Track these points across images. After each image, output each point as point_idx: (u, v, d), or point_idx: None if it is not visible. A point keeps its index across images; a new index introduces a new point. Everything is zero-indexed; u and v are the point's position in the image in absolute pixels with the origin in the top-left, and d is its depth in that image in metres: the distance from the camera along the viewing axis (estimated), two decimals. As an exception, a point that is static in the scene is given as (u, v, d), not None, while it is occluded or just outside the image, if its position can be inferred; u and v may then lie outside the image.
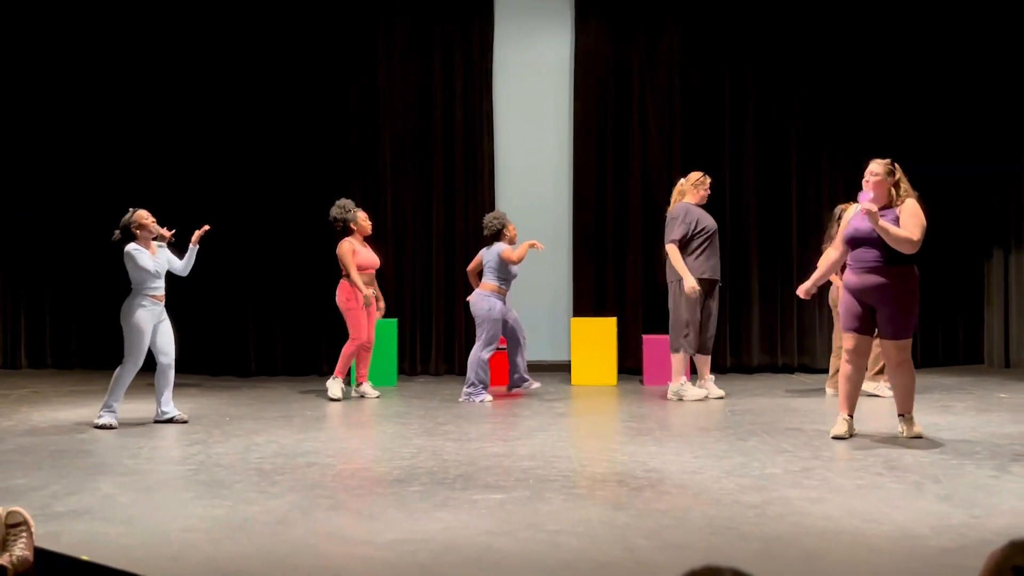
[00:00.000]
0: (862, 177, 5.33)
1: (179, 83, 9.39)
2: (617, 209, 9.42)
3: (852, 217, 5.39)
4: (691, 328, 7.19)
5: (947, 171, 9.30)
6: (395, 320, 8.64)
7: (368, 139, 9.43)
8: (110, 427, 5.95)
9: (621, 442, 5.51)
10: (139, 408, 6.87)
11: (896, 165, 5.34)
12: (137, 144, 9.46)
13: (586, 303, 9.32)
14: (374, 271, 7.57)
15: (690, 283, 7.06)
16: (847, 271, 5.41)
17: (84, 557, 3.08)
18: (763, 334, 9.41)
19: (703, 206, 7.43)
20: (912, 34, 9.36)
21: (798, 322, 9.40)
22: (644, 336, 8.65)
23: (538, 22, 9.73)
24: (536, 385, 7.58)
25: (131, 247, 6.08)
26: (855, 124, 9.33)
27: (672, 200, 7.46)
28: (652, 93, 9.41)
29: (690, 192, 7.40)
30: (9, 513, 2.95)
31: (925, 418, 5.58)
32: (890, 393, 7.06)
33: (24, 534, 2.93)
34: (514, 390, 7.64)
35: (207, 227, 6.44)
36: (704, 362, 7.38)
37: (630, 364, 8.96)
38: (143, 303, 6.03)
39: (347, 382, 7.76)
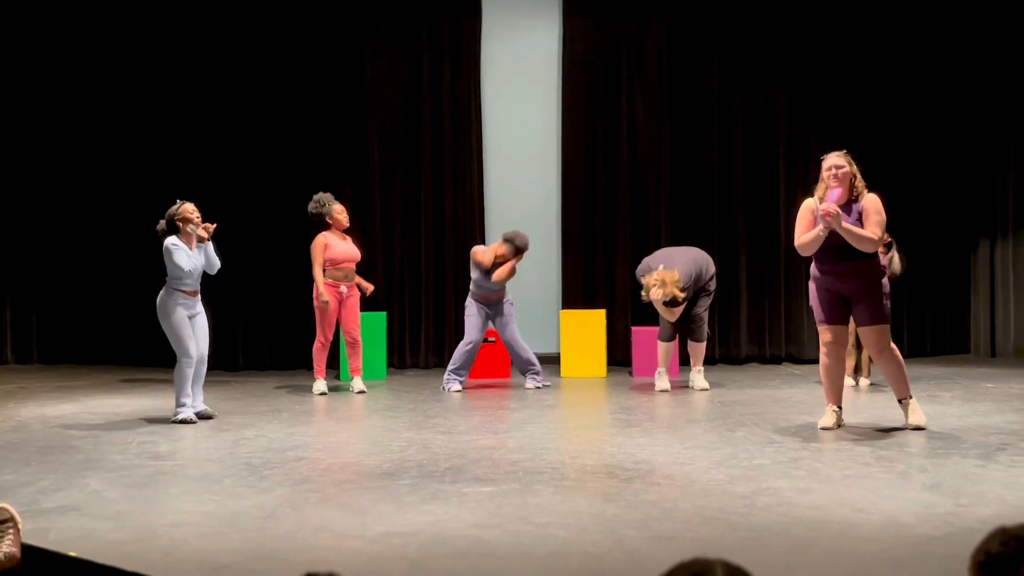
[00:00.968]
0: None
1: (169, 80, 9.33)
2: (606, 201, 9.43)
3: (817, 210, 5.22)
4: (662, 321, 7.33)
5: (933, 162, 9.35)
6: (384, 313, 8.63)
7: (356, 133, 9.40)
8: (190, 421, 5.87)
9: (610, 434, 5.52)
10: (126, 404, 6.84)
11: (851, 156, 5.28)
12: (125, 139, 9.41)
13: (575, 295, 9.33)
14: (353, 264, 7.41)
15: None
16: (815, 264, 5.34)
17: (72, 553, 3.07)
18: (751, 325, 9.45)
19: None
20: (900, 25, 9.40)
21: (785, 313, 9.44)
22: (633, 328, 8.66)
23: (525, 14, 9.71)
24: (532, 385, 7.54)
25: (171, 242, 5.94)
26: (843, 115, 9.36)
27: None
28: (640, 85, 9.41)
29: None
30: None
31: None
32: (852, 382, 7.13)
33: (11, 531, 2.92)
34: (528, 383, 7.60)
35: (215, 225, 6.24)
36: (693, 351, 7.41)
37: (619, 356, 8.98)
38: (175, 299, 5.92)
39: (339, 376, 7.75)
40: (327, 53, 9.37)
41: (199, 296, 6.08)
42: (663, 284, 6.82)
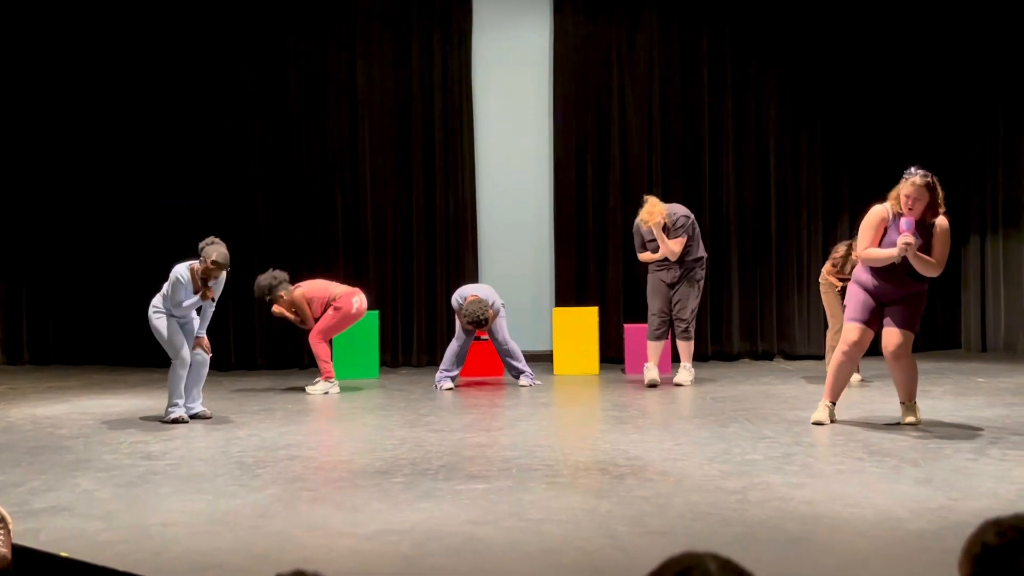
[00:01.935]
0: (897, 184, 5.12)
1: (162, 85, 9.26)
2: (598, 198, 9.43)
3: (889, 227, 5.19)
4: (651, 317, 7.53)
5: (923, 157, 9.35)
6: (376, 312, 8.61)
7: (347, 132, 9.38)
8: (182, 420, 5.85)
9: (603, 430, 5.53)
10: (117, 404, 6.82)
11: (935, 179, 5.18)
12: (116, 137, 9.36)
13: (567, 293, 9.33)
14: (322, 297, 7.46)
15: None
16: (869, 273, 5.28)
17: (63, 554, 3.05)
18: (743, 321, 9.46)
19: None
20: (891, 20, 9.41)
21: (778, 309, 9.45)
22: (625, 325, 8.66)
23: (516, 10, 9.70)
24: (525, 383, 7.54)
25: (180, 274, 5.85)
26: (833, 111, 9.38)
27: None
28: (631, 82, 9.41)
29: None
30: None
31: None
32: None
33: (1, 532, 2.90)
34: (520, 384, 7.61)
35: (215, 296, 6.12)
36: (681, 349, 7.48)
37: (612, 353, 8.97)
38: (163, 310, 5.90)
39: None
40: (316, 53, 9.34)
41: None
42: (656, 210, 7.28)
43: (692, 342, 7.50)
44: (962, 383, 7.15)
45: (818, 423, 5.37)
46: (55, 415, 6.29)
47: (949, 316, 9.79)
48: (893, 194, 5.25)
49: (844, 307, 5.60)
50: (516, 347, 7.63)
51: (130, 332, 8.92)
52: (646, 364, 7.47)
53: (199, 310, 6.08)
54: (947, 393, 6.63)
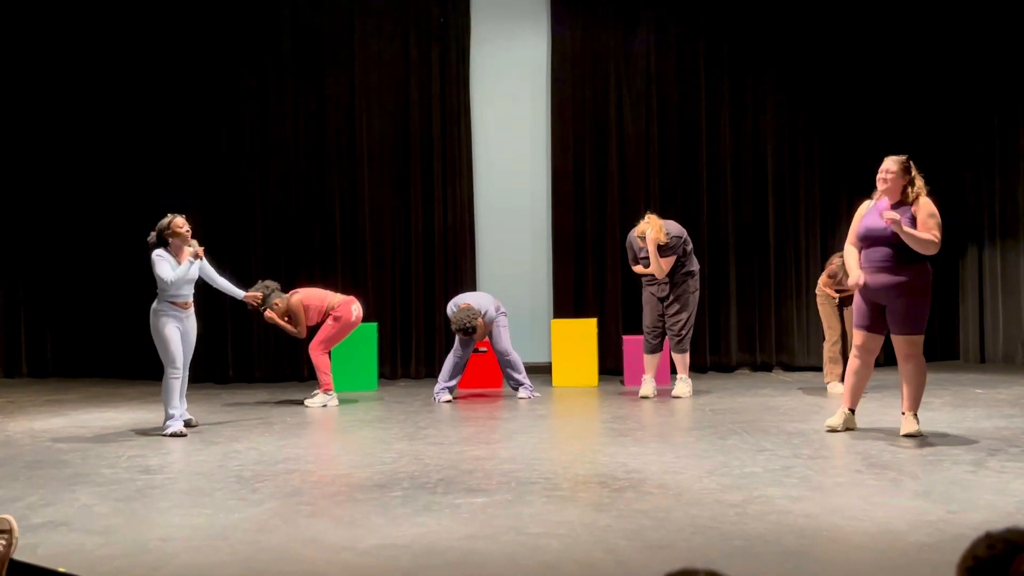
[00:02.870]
0: (875, 174, 5.25)
1: (162, 96, 9.31)
2: (596, 209, 9.45)
3: (865, 215, 5.31)
4: (645, 330, 7.52)
5: (920, 167, 9.36)
6: (375, 324, 8.61)
7: (345, 142, 9.40)
8: (180, 434, 5.86)
9: (602, 443, 5.52)
10: (116, 417, 6.81)
11: (911, 162, 5.27)
12: (116, 150, 9.38)
13: (566, 304, 9.33)
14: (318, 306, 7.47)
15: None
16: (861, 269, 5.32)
17: (61, 569, 3.05)
18: (741, 333, 9.46)
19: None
20: (888, 29, 9.46)
21: (776, 320, 9.46)
22: (624, 337, 8.67)
23: (514, 23, 9.74)
24: (524, 395, 7.55)
25: (156, 253, 5.98)
26: (831, 120, 9.42)
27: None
28: (628, 92, 9.45)
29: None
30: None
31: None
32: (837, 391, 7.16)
33: (2, 541, 2.92)
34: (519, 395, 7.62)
35: (202, 248, 6.22)
36: (677, 360, 7.49)
37: (611, 365, 8.98)
38: (164, 310, 5.95)
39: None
40: (314, 63, 9.37)
41: (191, 308, 6.07)
42: (654, 228, 7.26)
43: (687, 354, 7.50)
44: (961, 394, 7.15)
45: (831, 429, 5.39)
46: (53, 429, 6.28)
47: (947, 327, 9.81)
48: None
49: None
50: (518, 358, 7.61)
51: (129, 345, 8.93)
52: (644, 376, 7.49)
53: (214, 292, 6.17)
54: (946, 404, 6.63)
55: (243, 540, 3.53)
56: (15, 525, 2.95)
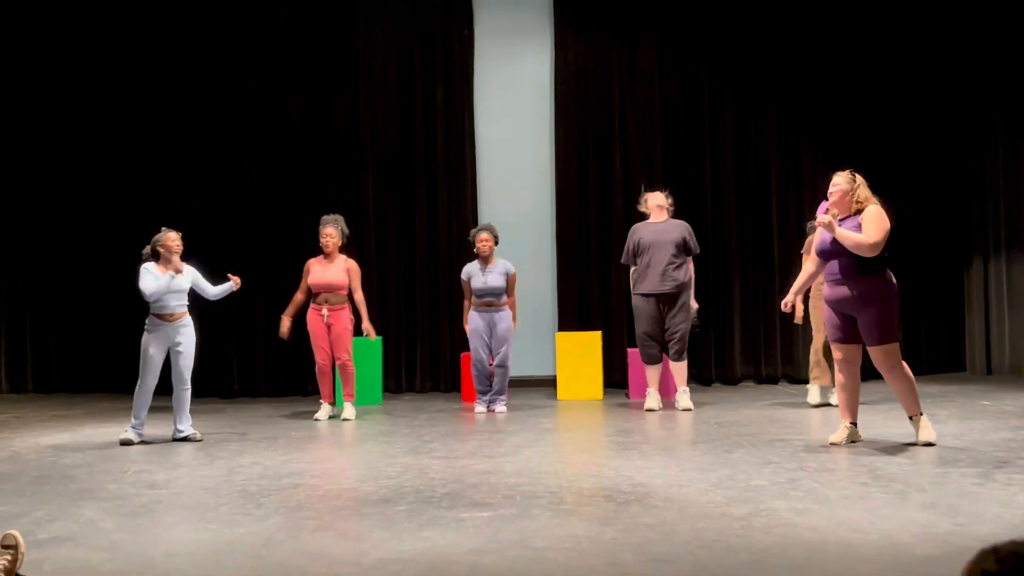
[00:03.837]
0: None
1: (163, 105, 9.37)
2: (600, 223, 9.46)
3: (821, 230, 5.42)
4: (639, 340, 7.53)
5: (926, 180, 9.38)
6: (380, 338, 8.61)
7: (350, 158, 9.44)
8: (129, 443, 6.06)
9: (607, 457, 5.51)
10: (121, 432, 6.81)
11: (856, 175, 5.38)
12: (119, 163, 9.42)
13: (570, 317, 9.33)
14: (332, 290, 7.41)
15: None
16: (824, 284, 5.45)
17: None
18: (746, 346, 9.45)
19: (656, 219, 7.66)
20: (891, 42, 9.47)
21: (781, 333, 9.44)
22: (629, 350, 8.66)
23: (517, 37, 9.79)
24: (500, 408, 7.54)
25: (143, 266, 6.14)
26: (834, 133, 9.42)
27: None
28: (631, 106, 9.48)
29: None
30: (5, 536, 2.98)
31: (908, 427, 5.60)
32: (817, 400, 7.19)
33: (8, 556, 2.94)
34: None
35: (238, 279, 6.52)
36: (675, 371, 7.48)
37: (616, 378, 8.97)
38: (148, 324, 6.13)
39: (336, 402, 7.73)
40: (320, 77, 9.42)
41: (181, 320, 6.13)
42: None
43: (685, 363, 7.50)
44: (967, 406, 7.13)
45: (835, 443, 5.40)
46: (59, 444, 6.29)
47: (954, 339, 9.79)
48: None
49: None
50: (509, 371, 7.61)
51: (134, 360, 8.91)
52: (648, 390, 7.49)
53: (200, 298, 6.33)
54: (952, 416, 6.60)
55: (248, 555, 3.52)
56: (21, 541, 2.97)
